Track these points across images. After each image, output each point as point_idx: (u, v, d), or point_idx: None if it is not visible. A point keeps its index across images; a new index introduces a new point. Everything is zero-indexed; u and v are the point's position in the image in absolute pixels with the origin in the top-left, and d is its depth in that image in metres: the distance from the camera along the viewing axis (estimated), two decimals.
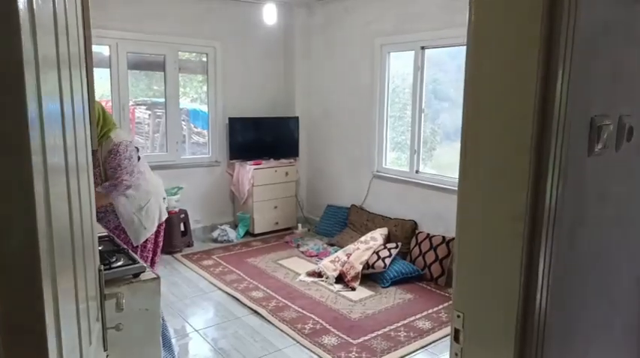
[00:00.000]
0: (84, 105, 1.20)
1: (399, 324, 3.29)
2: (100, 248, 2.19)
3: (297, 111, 5.55)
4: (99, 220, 2.84)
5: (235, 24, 5.18)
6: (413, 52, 4.43)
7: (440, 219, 4.25)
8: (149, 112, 5.70)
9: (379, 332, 3.16)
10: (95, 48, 4.54)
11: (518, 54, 0.92)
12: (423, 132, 4.51)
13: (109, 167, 2.73)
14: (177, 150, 5.03)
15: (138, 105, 6.14)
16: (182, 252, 4.67)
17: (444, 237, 4.11)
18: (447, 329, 3.22)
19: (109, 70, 4.55)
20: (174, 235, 4.62)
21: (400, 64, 4.75)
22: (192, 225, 5.03)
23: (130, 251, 2.16)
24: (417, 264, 4.15)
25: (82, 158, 1.16)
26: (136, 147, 2.89)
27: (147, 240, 2.97)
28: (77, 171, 1.11)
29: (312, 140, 5.62)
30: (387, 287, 3.89)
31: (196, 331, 3.17)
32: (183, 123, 5.66)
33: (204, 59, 5.16)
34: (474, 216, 1.04)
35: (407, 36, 4.42)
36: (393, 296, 3.73)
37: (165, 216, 3.09)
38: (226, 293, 3.75)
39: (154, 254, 3.15)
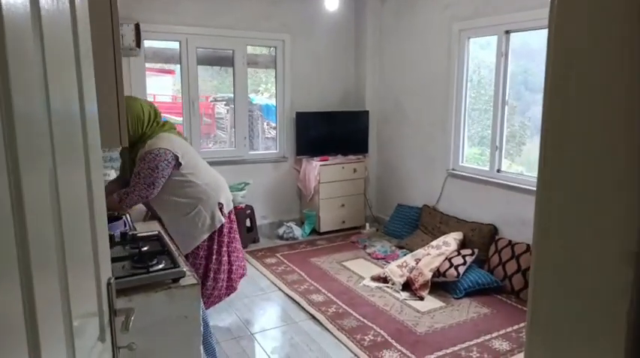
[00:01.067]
0: (83, 101, 1.05)
1: (472, 343, 2.93)
2: (145, 248, 2.13)
3: (367, 104, 5.27)
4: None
5: (304, 15, 5.01)
6: (496, 36, 3.97)
7: (524, 225, 3.77)
8: (227, 108, 5.76)
9: (448, 351, 2.83)
10: (165, 44, 4.62)
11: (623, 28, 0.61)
12: (506, 127, 4.03)
13: (135, 171, 2.58)
14: (245, 146, 4.98)
15: (217, 101, 6.26)
16: (247, 248, 4.62)
17: (528, 245, 3.63)
18: None
19: (179, 66, 4.59)
20: (239, 231, 4.57)
21: (486, 53, 4.30)
22: (259, 221, 4.97)
23: (173, 252, 2.05)
24: (495, 274, 3.72)
25: (75, 153, 1.01)
26: (176, 155, 2.62)
27: (198, 247, 2.84)
28: (71, 170, 0.96)
29: (382, 135, 5.31)
30: (460, 298, 3.52)
31: (251, 334, 3.05)
32: (257, 118, 5.66)
33: (274, 53, 5.06)
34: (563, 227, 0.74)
35: (489, 19, 3.97)
36: (466, 310, 3.36)
37: (219, 223, 2.86)
38: (286, 294, 3.61)
39: (226, 255, 2.98)
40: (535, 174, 3.45)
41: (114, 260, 1.94)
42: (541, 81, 3.52)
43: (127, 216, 2.69)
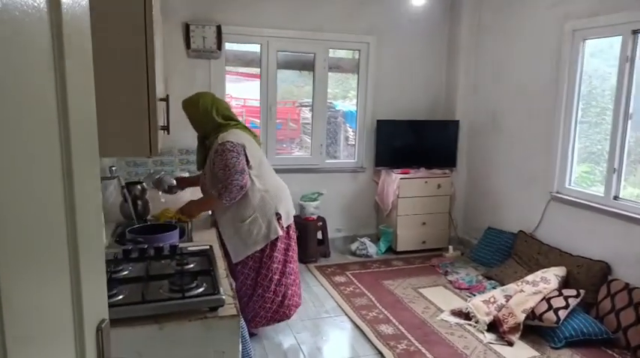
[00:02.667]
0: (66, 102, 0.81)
1: None
2: (190, 265, 1.92)
3: (457, 114, 4.77)
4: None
5: (392, 16, 4.65)
6: (620, 37, 3.31)
7: None
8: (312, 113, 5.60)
9: None
10: (246, 47, 4.52)
11: None
12: (627, 145, 3.35)
13: (217, 169, 2.53)
14: (321, 153, 4.73)
15: (303, 106, 6.13)
16: (317, 262, 4.35)
17: None
18: None
19: (258, 69, 4.46)
20: (309, 244, 4.33)
21: (598, 61, 3.65)
22: (332, 234, 4.68)
23: (217, 274, 1.81)
24: (606, 323, 3.07)
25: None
26: (245, 149, 2.58)
27: (249, 257, 2.68)
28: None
29: (473, 148, 4.77)
30: (559, 348, 2.93)
31: None
32: (339, 125, 5.41)
33: (357, 57, 4.76)
34: None
35: (611, 17, 3.32)
36: None
37: (275, 235, 2.69)
38: (352, 321, 3.26)
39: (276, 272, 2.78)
40: None
41: (155, 277, 1.76)
42: None
43: (189, 224, 2.54)
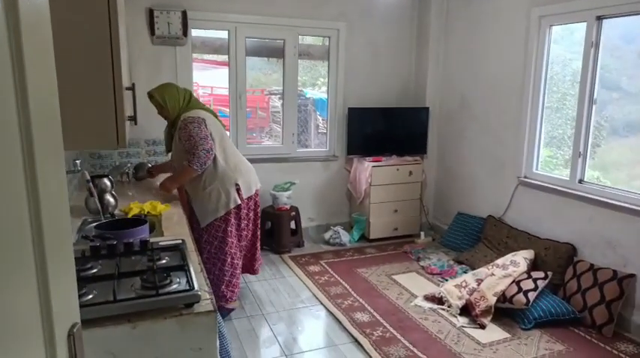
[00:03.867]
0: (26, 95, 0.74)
1: None
2: (163, 261, 1.86)
3: (427, 101, 4.80)
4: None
5: (362, 3, 4.61)
6: (584, 24, 3.38)
7: (610, 247, 3.20)
8: (282, 101, 5.52)
9: None
10: (214, 33, 4.39)
11: None
12: (592, 131, 3.45)
13: (184, 142, 2.76)
14: (292, 143, 4.68)
15: (272, 94, 6.02)
16: (291, 252, 4.32)
17: (615, 272, 3.07)
18: None
19: (227, 56, 4.35)
20: (283, 233, 4.29)
21: (559, 48, 3.74)
22: (305, 224, 4.66)
23: (191, 269, 1.75)
24: (573, 303, 3.18)
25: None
26: (205, 121, 2.83)
27: (213, 225, 2.91)
28: None
29: (443, 135, 4.82)
30: (529, 329, 3.02)
31: (285, 356, 2.73)
32: (310, 113, 5.36)
33: (327, 43, 4.70)
34: None
35: (576, 3, 3.39)
36: (535, 345, 2.86)
37: (234, 204, 2.92)
38: (328, 310, 3.26)
39: (246, 249, 3.14)
40: (619, 186, 2.80)
41: (126, 275, 1.69)
42: (620, 79, 2.92)
43: (161, 221, 2.46)
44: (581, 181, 3.49)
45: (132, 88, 1.64)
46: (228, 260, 2.94)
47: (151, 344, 1.48)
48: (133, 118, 1.63)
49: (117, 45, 1.33)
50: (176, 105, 2.84)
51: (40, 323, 0.80)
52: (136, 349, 1.46)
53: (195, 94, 3.10)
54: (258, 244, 3.27)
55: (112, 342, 1.43)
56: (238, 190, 2.94)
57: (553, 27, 3.69)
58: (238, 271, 3.04)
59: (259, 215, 3.24)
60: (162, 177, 3.20)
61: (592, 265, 3.22)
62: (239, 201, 2.95)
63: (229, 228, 2.94)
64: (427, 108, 4.78)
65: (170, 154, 3.07)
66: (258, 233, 3.23)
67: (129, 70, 3.07)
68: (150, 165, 3.39)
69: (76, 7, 1.23)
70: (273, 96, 6.05)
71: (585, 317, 3.09)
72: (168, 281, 1.61)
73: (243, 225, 3.03)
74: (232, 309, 3.11)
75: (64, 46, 1.18)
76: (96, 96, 1.28)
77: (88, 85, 1.26)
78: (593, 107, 3.41)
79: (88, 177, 2.44)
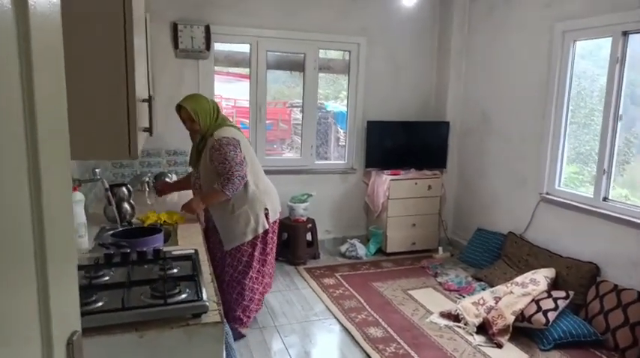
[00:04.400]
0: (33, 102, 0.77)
1: None
2: (174, 270, 1.87)
3: (447, 115, 4.76)
4: (208, 220, 2.87)
5: (383, 16, 4.63)
6: (610, 38, 3.31)
7: (635, 268, 3.09)
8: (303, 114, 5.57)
9: None
10: (236, 47, 4.47)
11: None
12: (617, 146, 3.35)
13: (217, 163, 2.65)
14: (311, 155, 4.70)
15: (294, 106, 6.08)
16: (306, 264, 4.31)
17: (639, 293, 2.95)
18: None
19: (248, 69, 4.42)
20: (299, 245, 4.29)
21: (587, 63, 3.67)
22: (322, 236, 4.65)
23: (202, 279, 1.76)
24: (595, 324, 3.07)
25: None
26: (239, 143, 2.72)
27: (239, 249, 2.81)
28: None
29: (464, 150, 4.76)
30: (548, 350, 2.92)
31: None
32: (330, 126, 5.38)
33: (348, 57, 4.73)
34: None
35: (601, 18, 3.32)
36: None
37: (262, 229, 2.85)
38: (341, 324, 3.23)
39: (256, 267, 2.92)
40: None
41: (137, 283, 1.71)
42: None
43: (174, 227, 2.49)
44: (605, 199, 3.38)
45: (148, 100, 1.68)
46: (250, 284, 2.87)
47: (158, 353, 1.49)
48: (149, 129, 1.66)
49: (131, 56, 1.37)
50: (207, 118, 2.71)
51: (39, 330, 0.81)
52: None
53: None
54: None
55: (118, 350, 1.44)
56: (267, 214, 2.87)
57: (577, 42, 3.62)
58: (257, 297, 2.95)
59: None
60: (170, 195, 3.17)
61: (616, 286, 3.11)
62: (267, 226, 2.87)
63: (255, 253, 2.86)
64: (447, 123, 4.73)
65: (191, 169, 2.96)
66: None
67: (150, 81, 3.14)
68: (162, 179, 3.34)
69: (89, 15, 1.27)
70: (294, 109, 6.11)
71: (608, 339, 2.97)
72: (177, 290, 1.63)
73: (268, 249, 2.95)
74: (243, 336, 2.96)
75: (77, 58, 1.21)
76: (109, 107, 1.31)
77: (101, 96, 1.30)
78: (619, 124, 3.31)
79: (107, 186, 2.50)
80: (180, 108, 2.72)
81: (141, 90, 1.65)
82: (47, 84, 0.78)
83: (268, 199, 2.88)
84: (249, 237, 2.81)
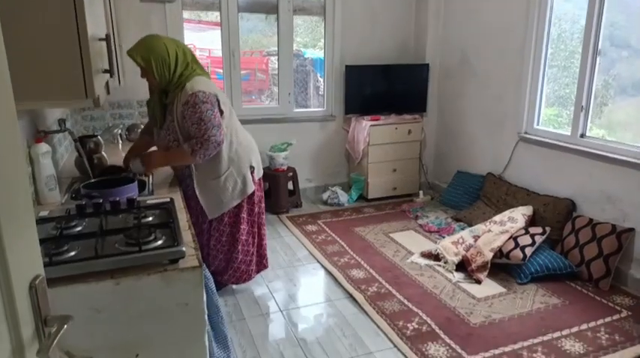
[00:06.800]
0: None
1: (537, 341, 2.46)
2: (148, 219, 1.83)
3: (427, 57, 4.66)
4: (181, 183, 2.48)
5: None
6: None
7: (610, 202, 3.16)
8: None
9: (506, 349, 2.39)
10: None
11: None
12: (595, 84, 3.33)
13: (190, 123, 2.25)
14: (289, 102, 4.59)
15: (271, 55, 5.87)
16: (289, 213, 4.32)
17: (614, 226, 3.03)
18: None
19: (218, 13, 4.21)
20: (280, 194, 4.27)
21: (569, 5, 3.57)
22: (303, 184, 4.64)
23: (178, 226, 1.73)
24: (570, 257, 3.17)
25: None
26: (218, 100, 2.33)
27: (224, 213, 2.57)
28: None
29: (443, 92, 4.70)
30: (525, 283, 3.02)
31: (280, 311, 2.76)
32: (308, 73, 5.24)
33: None
34: None
35: None
36: (531, 298, 2.87)
37: (251, 190, 2.59)
38: (324, 267, 3.28)
39: (251, 225, 2.73)
40: (625, 140, 2.76)
41: (110, 232, 1.67)
42: (629, 37, 2.75)
43: (150, 177, 2.43)
44: (582, 136, 3.41)
45: (106, 39, 1.57)
46: (239, 247, 2.66)
47: (136, 299, 1.48)
48: (109, 71, 1.57)
49: None
50: (165, 71, 2.23)
51: None
52: (121, 305, 1.45)
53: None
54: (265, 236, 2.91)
55: (95, 298, 1.42)
56: (252, 172, 2.60)
57: None
58: (249, 258, 2.74)
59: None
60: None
61: (591, 220, 3.19)
62: (254, 187, 2.61)
63: (242, 215, 2.62)
64: (427, 65, 4.64)
65: (158, 128, 2.42)
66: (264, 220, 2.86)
67: (115, 28, 2.97)
68: (140, 166, 2.40)
69: None
70: (272, 58, 5.91)
71: (582, 271, 3.08)
72: (152, 237, 1.59)
73: (257, 209, 2.71)
74: (226, 284, 2.87)
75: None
76: (58, 44, 1.22)
77: (48, 32, 1.20)
78: (597, 59, 3.28)
79: (75, 137, 2.41)
80: (132, 57, 2.22)
81: (96, 28, 1.54)
82: None
83: (253, 155, 2.62)
84: (237, 201, 2.56)
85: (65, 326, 0.91)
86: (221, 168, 2.46)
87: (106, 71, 1.56)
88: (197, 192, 2.49)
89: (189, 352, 1.59)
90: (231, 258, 2.68)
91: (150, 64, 2.20)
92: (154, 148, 2.57)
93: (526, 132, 3.81)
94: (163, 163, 2.39)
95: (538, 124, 3.77)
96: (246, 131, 2.67)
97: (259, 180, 2.73)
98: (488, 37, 4.07)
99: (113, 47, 1.60)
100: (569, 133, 3.47)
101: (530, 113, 3.78)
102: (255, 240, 2.78)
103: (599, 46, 3.25)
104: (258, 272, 2.87)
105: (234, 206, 2.58)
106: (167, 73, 2.24)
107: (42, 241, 1.19)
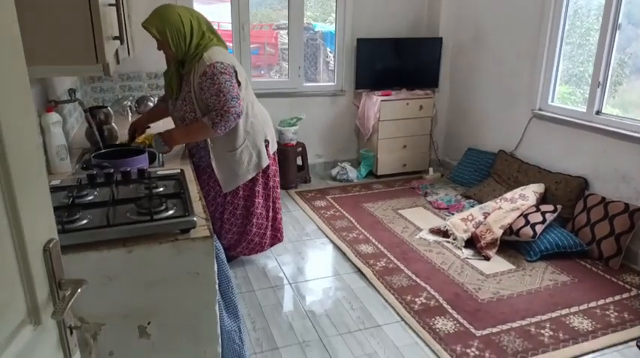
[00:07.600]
0: None
1: (545, 317, 2.46)
2: (159, 189, 1.84)
3: (440, 31, 4.55)
4: (192, 156, 2.49)
5: None
6: None
7: (623, 181, 3.11)
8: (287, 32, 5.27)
9: (514, 325, 2.40)
10: None
11: None
12: (613, 59, 3.24)
13: (209, 95, 2.23)
14: (299, 76, 4.53)
15: (280, 29, 5.78)
16: (297, 188, 4.32)
17: (626, 205, 2.99)
18: (618, 335, 2.31)
19: None
20: (289, 170, 4.26)
21: None
22: (312, 160, 4.62)
23: (189, 196, 1.73)
24: (581, 235, 3.14)
25: None
26: (235, 71, 2.29)
27: (239, 186, 2.57)
28: None
29: (456, 68, 4.61)
30: (534, 261, 3.01)
31: (290, 284, 2.79)
32: (319, 47, 5.14)
33: None
34: None
35: None
36: (540, 276, 2.86)
37: (266, 163, 2.58)
38: (332, 242, 3.29)
39: (269, 198, 2.74)
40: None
41: (122, 201, 1.68)
42: None
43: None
44: (598, 112, 3.34)
45: (115, 4, 1.54)
46: (254, 220, 2.66)
47: (148, 268, 1.49)
48: (119, 38, 1.54)
49: None
50: (181, 41, 2.20)
51: (10, 239, 0.79)
52: (133, 273, 1.47)
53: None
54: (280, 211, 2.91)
55: (107, 266, 1.43)
56: (267, 146, 2.58)
57: None
58: (262, 231, 2.74)
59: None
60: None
61: (603, 198, 3.15)
62: (269, 160, 2.60)
63: (257, 188, 2.62)
64: (440, 39, 4.54)
65: (173, 99, 2.41)
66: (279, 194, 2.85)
67: None
68: (164, 146, 2.32)
69: None
70: (281, 32, 5.81)
71: (593, 249, 3.06)
72: (163, 207, 1.60)
73: (271, 183, 2.70)
74: (237, 257, 2.91)
75: None
76: (69, 9, 1.19)
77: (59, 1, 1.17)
78: (617, 32, 3.18)
79: (86, 107, 2.40)
80: (147, 29, 2.18)
81: None
82: None
83: (267, 128, 2.60)
84: (252, 175, 2.56)
85: (79, 289, 0.91)
86: (237, 140, 2.43)
87: (115, 38, 1.54)
88: (213, 165, 2.47)
89: (199, 320, 1.61)
90: (245, 230, 2.70)
91: (165, 36, 2.17)
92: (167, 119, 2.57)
93: (540, 109, 3.74)
94: (185, 139, 2.36)
95: (553, 101, 3.70)
96: (261, 104, 2.65)
97: (274, 154, 2.72)
98: (503, 13, 3.97)
99: (122, 14, 1.57)
100: (584, 110, 3.40)
101: (545, 89, 3.70)
102: (270, 214, 2.78)
103: (620, 20, 3.15)
104: (272, 245, 2.89)
105: (249, 179, 2.58)
106: (183, 43, 2.22)
107: (54, 209, 1.19)
